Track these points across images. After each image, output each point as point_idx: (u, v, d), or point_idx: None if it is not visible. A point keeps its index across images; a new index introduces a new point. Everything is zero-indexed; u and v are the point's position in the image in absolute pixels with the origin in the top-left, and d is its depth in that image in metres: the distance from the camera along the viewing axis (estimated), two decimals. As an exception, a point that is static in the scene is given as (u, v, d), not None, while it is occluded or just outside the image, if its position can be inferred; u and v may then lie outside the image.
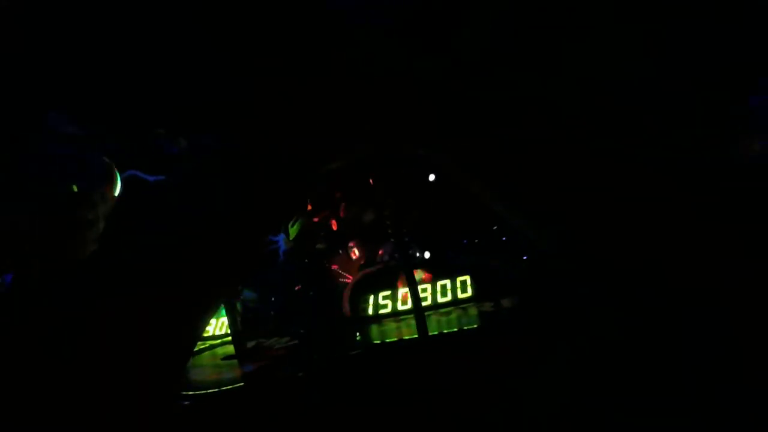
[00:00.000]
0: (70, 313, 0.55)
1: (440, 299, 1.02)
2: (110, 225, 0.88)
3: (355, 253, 1.15)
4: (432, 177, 1.11)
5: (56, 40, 0.61)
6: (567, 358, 0.66)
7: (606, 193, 0.55)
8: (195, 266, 0.59)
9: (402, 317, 1.01)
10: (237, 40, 0.62)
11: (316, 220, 1.09)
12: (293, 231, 0.77)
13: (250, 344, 1.03)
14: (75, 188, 0.87)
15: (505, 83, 0.55)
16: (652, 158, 0.55)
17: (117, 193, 0.94)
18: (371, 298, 1.03)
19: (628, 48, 0.52)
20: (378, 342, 0.90)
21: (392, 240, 1.12)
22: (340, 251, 1.17)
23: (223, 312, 1.11)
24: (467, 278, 1.02)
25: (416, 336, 0.86)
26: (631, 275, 0.55)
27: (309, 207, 1.11)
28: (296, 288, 1.06)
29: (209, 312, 0.64)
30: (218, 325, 1.27)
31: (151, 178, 0.97)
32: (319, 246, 1.02)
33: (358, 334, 0.95)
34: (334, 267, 1.19)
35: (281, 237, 1.11)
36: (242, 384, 0.87)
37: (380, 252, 1.20)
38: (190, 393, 0.88)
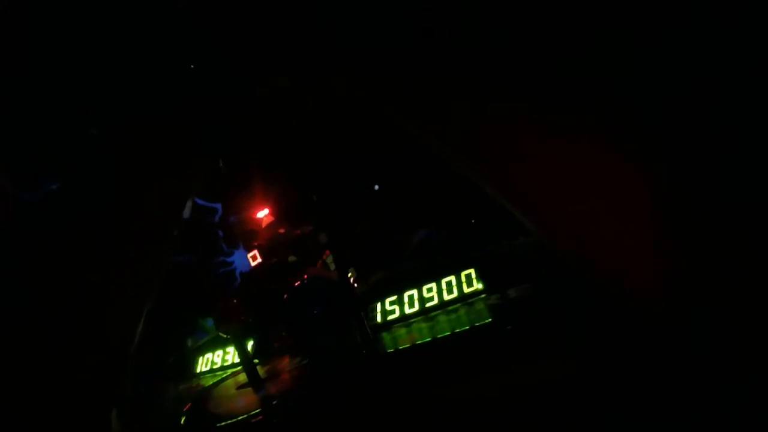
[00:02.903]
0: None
1: (446, 297, 1.00)
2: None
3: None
4: (377, 187, 1.09)
5: (55, 41, 0.64)
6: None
7: (605, 194, 0.55)
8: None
9: (411, 321, 0.99)
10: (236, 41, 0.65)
11: (281, 231, 1.04)
12: None
13: (265, 368, 1.03)
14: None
15: (505, 83, 0.55)
16: (652, 158, 0.54)
17: None
18: (378, 306, 1.03)
19: (628, 48, 0.53)
20: (392, 350, 0.90)
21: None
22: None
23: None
24: (471, 271, 0.99)
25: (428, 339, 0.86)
26: (631, 275, 0.53)
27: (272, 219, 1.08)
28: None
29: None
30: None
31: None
32: (291, 258, 0.99)
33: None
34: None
35: (237, 256, 1.10)
36: (258, 410, 0.86)
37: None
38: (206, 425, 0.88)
